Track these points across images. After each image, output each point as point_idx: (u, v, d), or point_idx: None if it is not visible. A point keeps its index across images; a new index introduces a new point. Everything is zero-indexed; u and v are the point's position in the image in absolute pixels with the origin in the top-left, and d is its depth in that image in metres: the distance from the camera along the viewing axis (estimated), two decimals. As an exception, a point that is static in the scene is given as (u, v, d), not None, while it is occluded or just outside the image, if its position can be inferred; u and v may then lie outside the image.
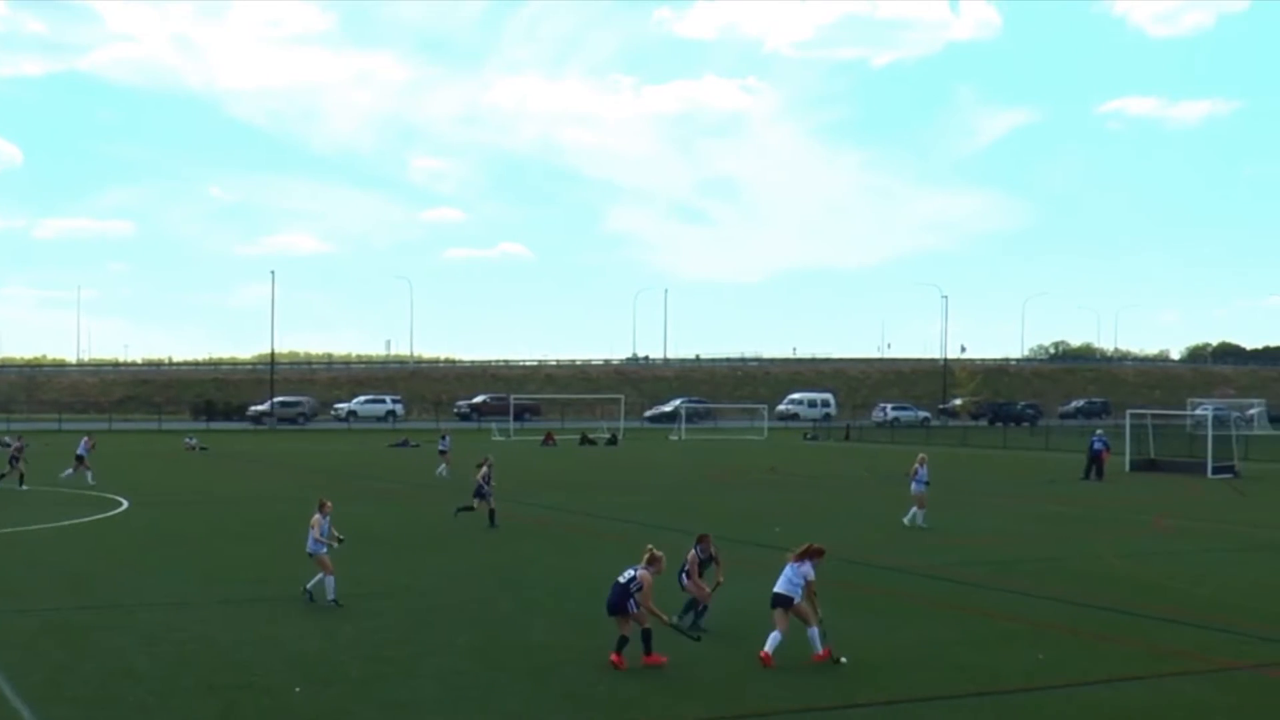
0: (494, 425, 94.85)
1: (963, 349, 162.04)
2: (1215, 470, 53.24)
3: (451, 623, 19.99)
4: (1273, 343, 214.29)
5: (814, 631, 17.20)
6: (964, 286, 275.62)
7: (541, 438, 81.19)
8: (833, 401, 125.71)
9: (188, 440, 74.69)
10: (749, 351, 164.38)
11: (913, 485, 34.47)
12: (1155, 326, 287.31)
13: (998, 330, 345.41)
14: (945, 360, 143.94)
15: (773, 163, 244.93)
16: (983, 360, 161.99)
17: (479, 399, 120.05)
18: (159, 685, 15.62)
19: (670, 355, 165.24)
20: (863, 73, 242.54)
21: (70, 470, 45.85)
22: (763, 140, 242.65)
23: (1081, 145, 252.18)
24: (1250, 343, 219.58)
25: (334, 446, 77.16)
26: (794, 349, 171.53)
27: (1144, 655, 18.06)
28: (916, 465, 34.69)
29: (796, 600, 17.21)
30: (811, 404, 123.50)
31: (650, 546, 17.67)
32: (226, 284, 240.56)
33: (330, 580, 21.16)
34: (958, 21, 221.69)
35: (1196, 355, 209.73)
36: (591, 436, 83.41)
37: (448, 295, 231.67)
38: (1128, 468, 56.74)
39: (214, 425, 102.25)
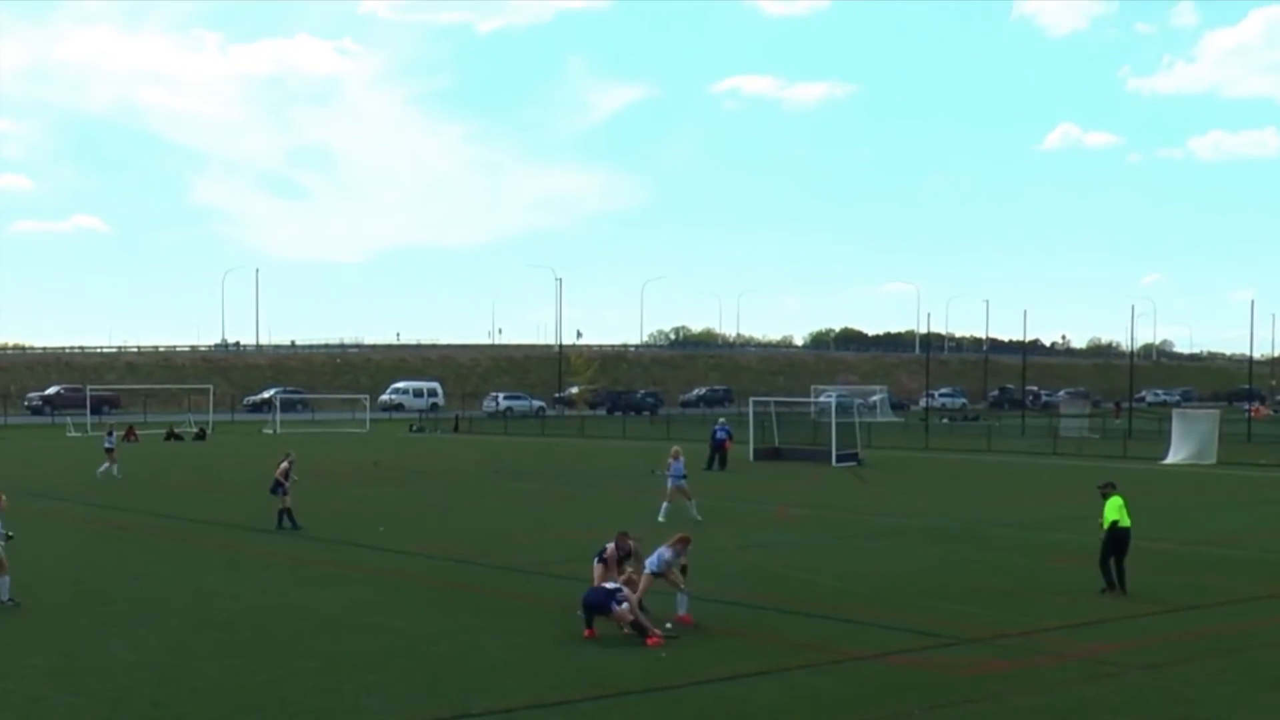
0: (69, 420, 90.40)
1: (579, 334, 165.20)
2: (839, 458, 55.79)
3: (25, 642, 19.02)
4: (894, 329, 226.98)
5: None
6: (579, 269, 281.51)
7: (123, 433, 78.06)
8: (440, 391, 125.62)
9: None
10: (349, 337, 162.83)
11: (669, 480, 35.36)
12: (778, 312, 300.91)
13: (615, 315, 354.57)
14: (560, 346, 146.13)
15: (372, 132, 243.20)
16: (600, 346, 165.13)
17: (52, 390, 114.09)
18: None
19: (263, 341, 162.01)
20: (467, 39, 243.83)
21: None
22: (361, 108, 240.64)
23: (699, 124, 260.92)
24: (871, 329, 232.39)
25: None
26: (398, 334, 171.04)
27: (769, 649, 18.67)
28: (670, 460, 35.70)
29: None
30: (417, 394, 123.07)
31: (624, 538, 20.70)
32: None
33: (5, 580, 21.33)
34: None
35: (819, 341, 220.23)
36: (178, 431, 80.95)
37: (14, 273, 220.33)
38: (751, 457, 58.76)
39: None
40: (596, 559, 21.18)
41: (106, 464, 49.30)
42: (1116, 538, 23.65)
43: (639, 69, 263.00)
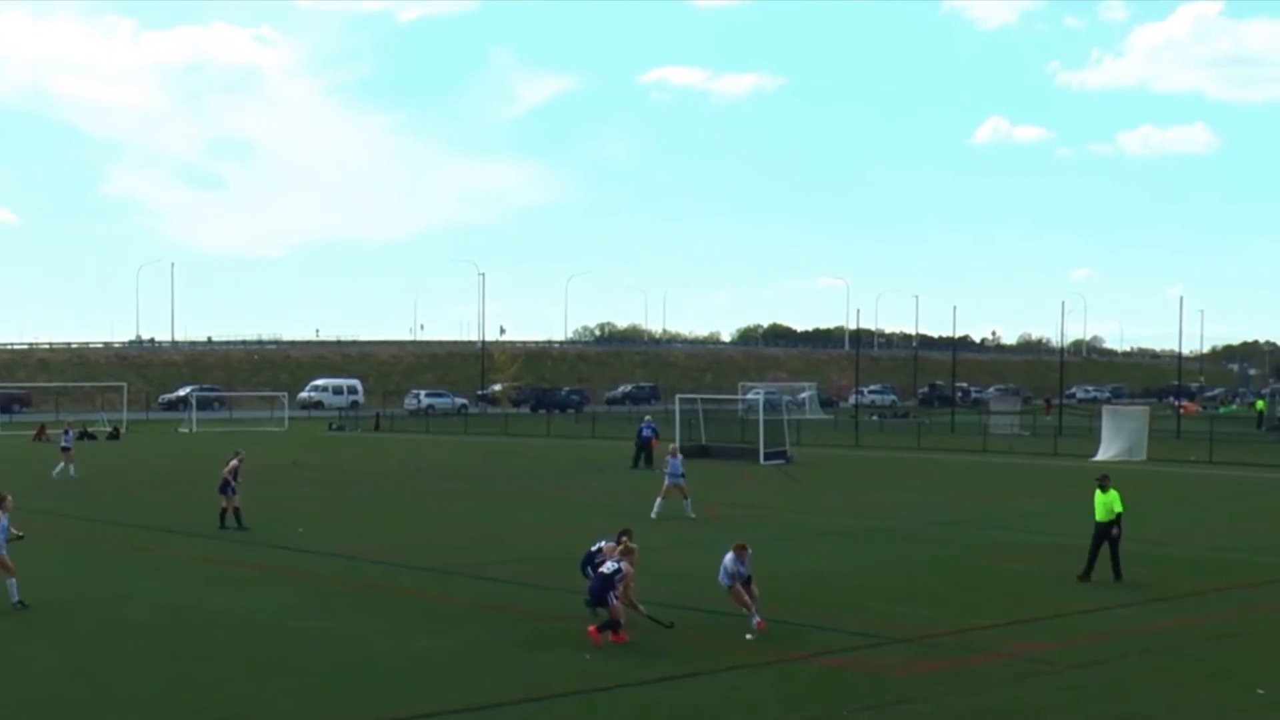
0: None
1: (502, 330, 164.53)
2: (767, 456, 55.96)
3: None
4: (823, 325, 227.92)
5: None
6: (503, 263, 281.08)
7: (33, 432, 77.08)
8: (360, 388, 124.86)
9: None
10: (268, 333, 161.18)
11: (666, 478, 35.91)
12: (706, 307, 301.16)
13: (540, 311, 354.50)
14: (484, 343, 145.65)
15: (293, 123, 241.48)
16: (524, 343, 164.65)
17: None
18: None
19: (179, 337, 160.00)
20: (389, 27, 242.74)
21: None
22: (281, 98, 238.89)
23: (626, 115, 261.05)
24: (801, 325, 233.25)
25: None
26: (317, 330, 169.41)
27: (700, 651, 18.72)
28: (668, 457, 36.50)
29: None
30: (337, 391, 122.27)
31: (625, 539, 20.00)
32: None
33: (13, 582, 21.34)
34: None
35: (747, 338, 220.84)
36: (91, 430, 79.94)
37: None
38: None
39: None
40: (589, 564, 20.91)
41: (63, 464, 48.79)
42: (1096, 530, 25.10)
43: (566, 59, 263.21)
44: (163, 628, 20.36)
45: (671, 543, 30.07)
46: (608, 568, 19.54)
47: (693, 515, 35.17)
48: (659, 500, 35.66)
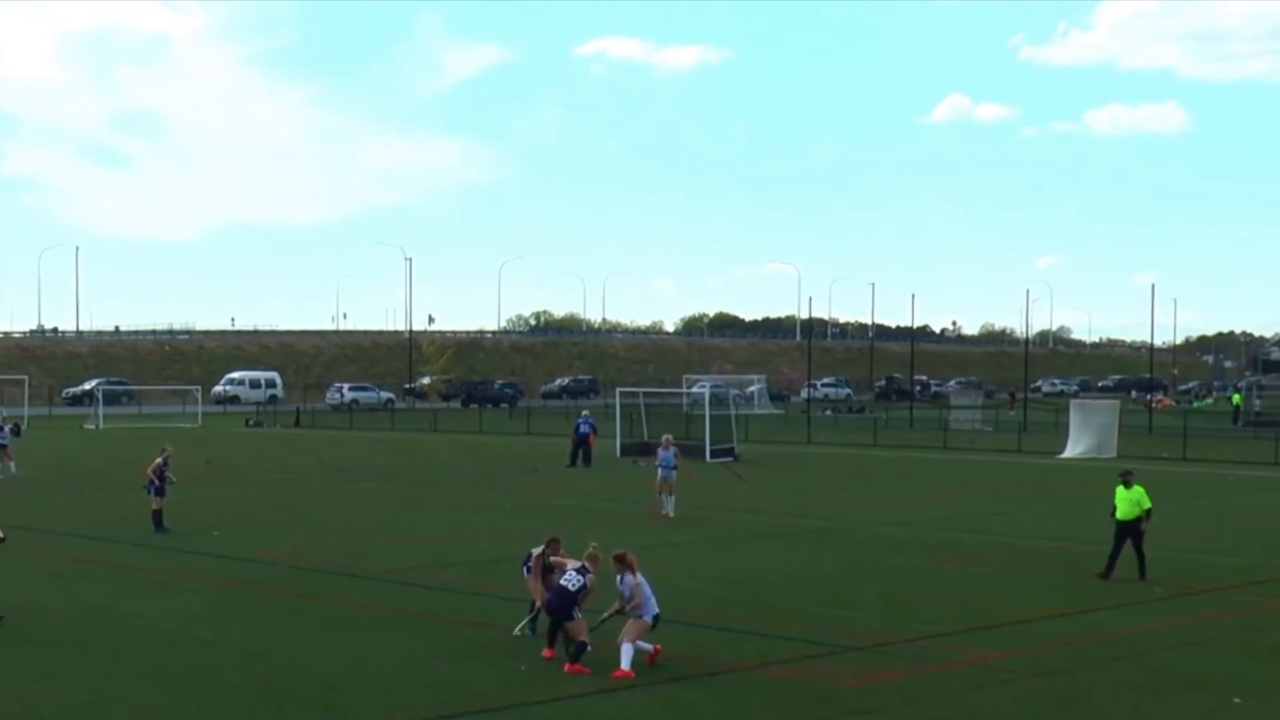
0: None
1: (431, 320, 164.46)
2: (714, 453, 56.10)
3: None
4: (773, 314, 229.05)
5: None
6: (432, 248, 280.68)
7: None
8: (279, 382, 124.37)
9: None
10: (179, 323, 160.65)
11: (659, 470, 36.46)
12: (648, 295, 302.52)
13: (471, 299, 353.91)
14: (411, 333, 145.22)
15: (204, 96, 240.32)
16: (454, 333, 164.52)
17: None
18: None
19: (84, 327, 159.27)
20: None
21: None
22: (192, 68, 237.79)
23: (561, 90, 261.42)
24: (749, 314, 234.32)
25: None
26: (233, 320, 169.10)
27: (639, 660, 18.72)
28: (660, 449, 37.06)
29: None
30: (254, 384, 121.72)
31: (593, 545, 19.14)
32: None
33: None
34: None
35: (692, 327, 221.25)
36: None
37: None
38: (618, 452, 58.91)
39: None
40: (526, 568, 20.51)
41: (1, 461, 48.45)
42: (1118, 528, 26.00)
43: (497, 29, 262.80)
44: (65, 639, 20.25)
45: (608, 545, 30.09)
46: (571, 582, 18.36)
47: (670, 515, 35.60)
48: (666, 497, 36.23)
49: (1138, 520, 25.90)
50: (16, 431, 50.14)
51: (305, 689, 17.10)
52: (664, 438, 38.12)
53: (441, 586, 24.91)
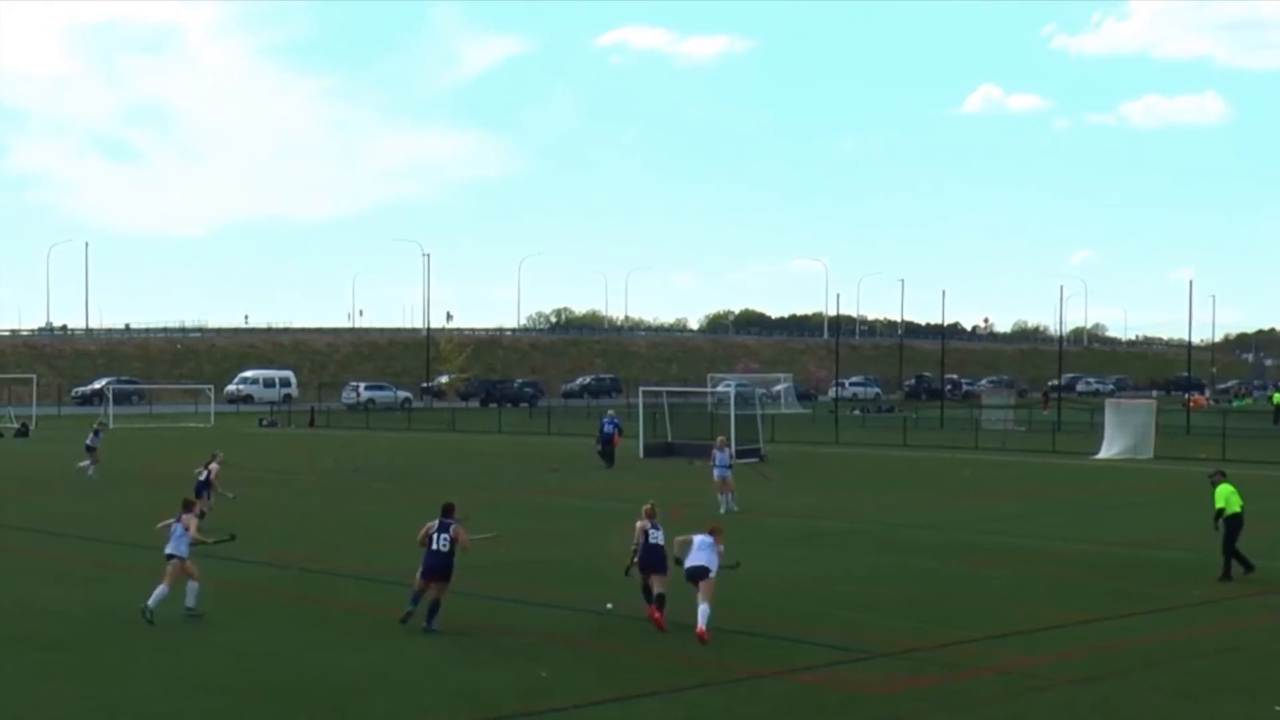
0: None
1: (449, 317, 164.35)
2: (739, 454, 55.86)
3: None
4: (800, 311, 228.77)
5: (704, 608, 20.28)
6: (449, 244, 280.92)
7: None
8: (294, 380, 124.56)
9: None
10: (191, 320, 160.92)
11: (715, 471, 38.04)
12: (671, 292, 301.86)
13: (490, 296, 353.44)
14: (428, 330, 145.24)
15: (216, 88, 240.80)
16: (473, 330, 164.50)
17: None
18: None
19: (94, 325, 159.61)
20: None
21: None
22: (203, 60, 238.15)
23: (582, 82, 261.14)
24: (775, 311, 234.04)
25: None
26: (246, 317, 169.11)
27: (662, 667, 18.73)
28: (715, 450, 38.47)
29: (713, 573, 20.80)
30: (268, 383, 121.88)
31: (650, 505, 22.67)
32: None
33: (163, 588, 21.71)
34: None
35: (717, 325, 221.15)
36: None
37: None
38: (641, 453, 58.89)
39: None
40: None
41: (86, 461, 49.07)
42: (1227, 524, 26.24)
43: (514, 19, 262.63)
44: (73, 643, 20.28)
45: (629, 548, 30.03)
46: (445, 546, 21.44)
47: (728, 510, 36.91)
48: (722, 496, 37.50)
49: (1241, 513, 26.36)
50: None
51: (316, 694, 17.08)
52: (718, 439, 39.92)
53: (456, 590, 24.83)
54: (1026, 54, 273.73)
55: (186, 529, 22.31)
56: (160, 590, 21.58)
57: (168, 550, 22.10)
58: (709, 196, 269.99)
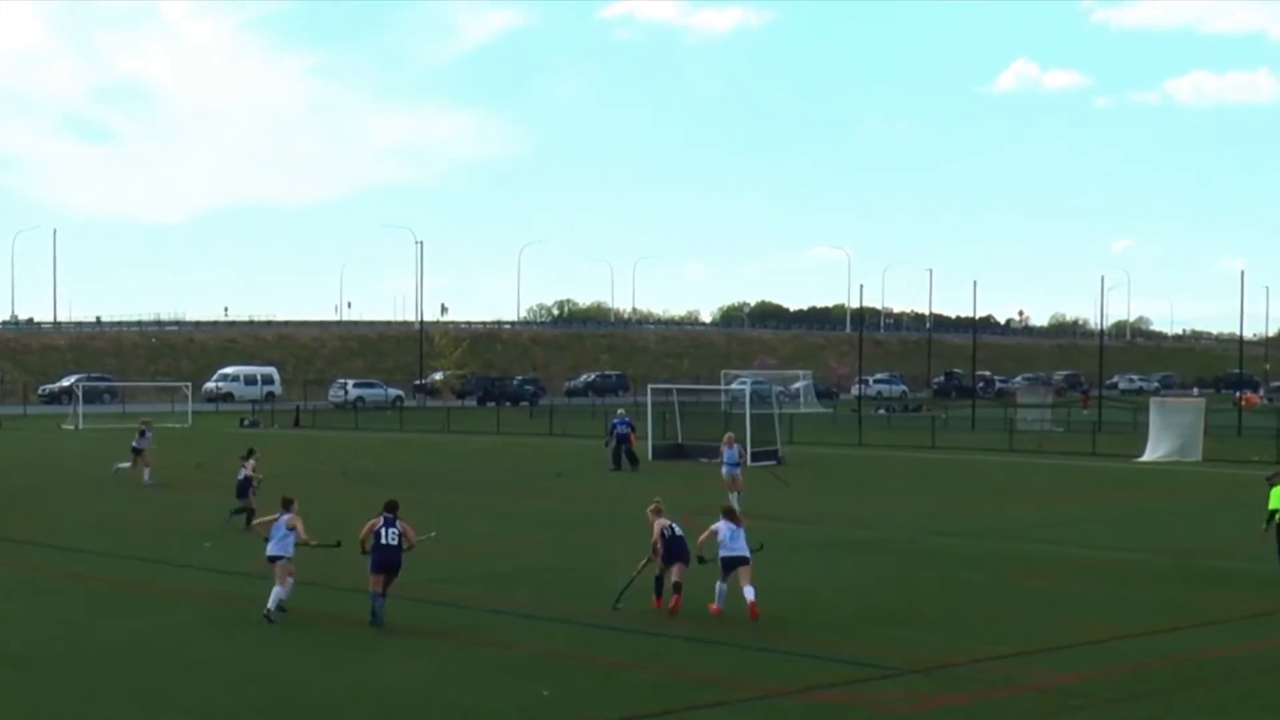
0: None
1: (444, 309, 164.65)
2: (755, 456, 55.88)
3: None
4: (819, 303, 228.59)
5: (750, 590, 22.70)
6: (444, 230, 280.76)
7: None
8: (277, 377, 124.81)
9: None
10: (167, 313, 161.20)
11: (723, 469, 38.94)
12: (682, 283, 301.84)
13: (488, 286, 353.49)
14: (422, 323, 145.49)
15: (196, 65, 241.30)
16: (470, 324, 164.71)
17: None
18: None
19: (62, 318, 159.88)
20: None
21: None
22: (182, 35, 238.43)
23: (586, 57, 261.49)
24: (793, 303, 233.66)
25: None
26: (226, 309, 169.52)
27: (670, 684, 18.76)
28: (723, 447, 39.56)
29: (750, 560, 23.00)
30: (250, 380, 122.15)
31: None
32: None
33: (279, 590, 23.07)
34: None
35: (731, 318, 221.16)
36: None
37: None
38: (650, 454, 58.83)
39: None
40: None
41: (133, 465, 49.06)
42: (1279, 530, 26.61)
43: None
44: (40, 659, 20.34)
45: (639, 556, 30.10)
46: (393, 539, 23.12)
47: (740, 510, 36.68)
48: (735, 495, 37.44)
49: None
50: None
51: (303, 714, 17.12)
52: (726, 436, 40.51)
53: (453, 602, 24.94)
54: (1064, 27, 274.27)
55: (292, 528, 23.68)
56: (277, 591, 22.90)
57: (272, 552, 23.48)
58: (722, 180, 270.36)
